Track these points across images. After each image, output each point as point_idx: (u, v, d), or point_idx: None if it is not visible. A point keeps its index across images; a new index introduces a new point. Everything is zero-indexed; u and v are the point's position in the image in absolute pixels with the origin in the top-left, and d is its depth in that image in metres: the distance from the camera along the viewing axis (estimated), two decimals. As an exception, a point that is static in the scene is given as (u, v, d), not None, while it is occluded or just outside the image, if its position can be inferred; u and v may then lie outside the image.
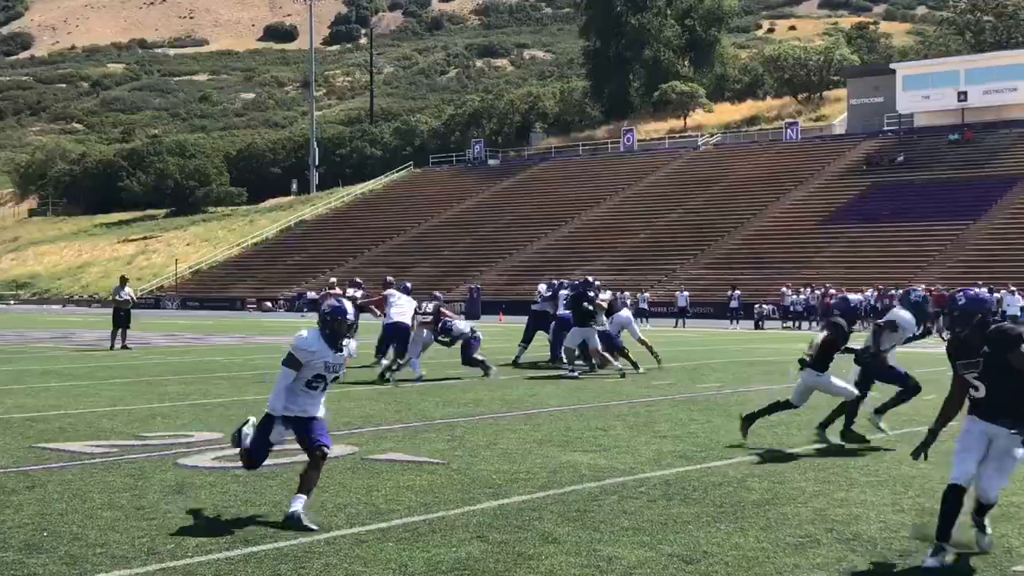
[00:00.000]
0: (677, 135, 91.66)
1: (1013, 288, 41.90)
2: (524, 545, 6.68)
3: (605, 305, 20.63)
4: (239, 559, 6.35)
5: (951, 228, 58.56)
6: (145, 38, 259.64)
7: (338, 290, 24.15)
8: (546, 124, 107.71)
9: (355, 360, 18.94)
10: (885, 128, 78.43)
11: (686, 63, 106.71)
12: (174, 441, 10.93)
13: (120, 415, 13.21)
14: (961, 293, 6.78)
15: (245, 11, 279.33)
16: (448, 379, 18.22)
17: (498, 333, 34.05)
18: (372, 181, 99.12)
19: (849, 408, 11.10)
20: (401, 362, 18.31)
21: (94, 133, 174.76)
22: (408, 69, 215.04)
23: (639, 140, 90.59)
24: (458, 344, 19.15)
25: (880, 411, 11.24)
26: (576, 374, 19.22)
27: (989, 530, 6.78)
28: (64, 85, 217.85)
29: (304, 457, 9.83)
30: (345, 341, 7.65)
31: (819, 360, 11.09)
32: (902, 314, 11.40)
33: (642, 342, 21.70)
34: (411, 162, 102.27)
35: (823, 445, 10.81)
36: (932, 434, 6.82)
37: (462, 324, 19.47)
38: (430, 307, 19.05)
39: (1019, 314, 41.01)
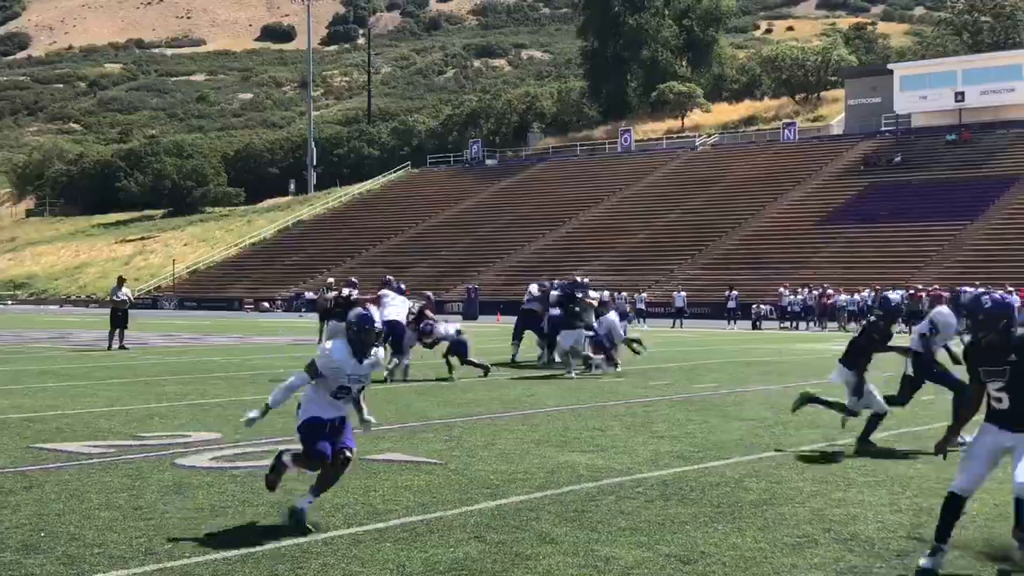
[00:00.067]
0: (675, 135, 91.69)
1: (1011, 288, 41.86)
2: (522, 545, 6.68)
3: (595, 303, 20.68)
4: (236, 559, 6.35)
5: (949, 228, 58.60)
6: (142, 38, 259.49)
7: (335, 290, 24.13)
8: (544, 124, 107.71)
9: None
10: (883, 128, 78.47)
11: (684, 63, 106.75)
12: (172, 441, 10.92)
13: (118, 415, 13.20)
14: (986, 296, 6.53)
15: (242, 11, 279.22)
16: (446, 379, 18.21)
17: (496, 333, 34.05)
18: (370, 181, 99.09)
19: (878, 418, 10.95)
20: (397, 361, 18.35)
21: (91, 133, 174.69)
22: (406, 69, 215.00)
23: (637, 140, 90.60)
24: (443, 346, 19.15)
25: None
26: (573, 375, 19.24)
27: None
28: (61, 85, 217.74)
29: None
30: (372, 350, 7.38)
31: (854, 359, 10.87)
32: (943, 311, 11.27)
33: (626, 342, 21.83)
34: (409, 162, 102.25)
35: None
36: (952, 431, 6.69)
37: (444, 327, 19.42)
38: (415, 307, 19.13)
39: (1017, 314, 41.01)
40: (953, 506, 6.30)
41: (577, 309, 19.77)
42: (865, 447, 10.65)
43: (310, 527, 7.06)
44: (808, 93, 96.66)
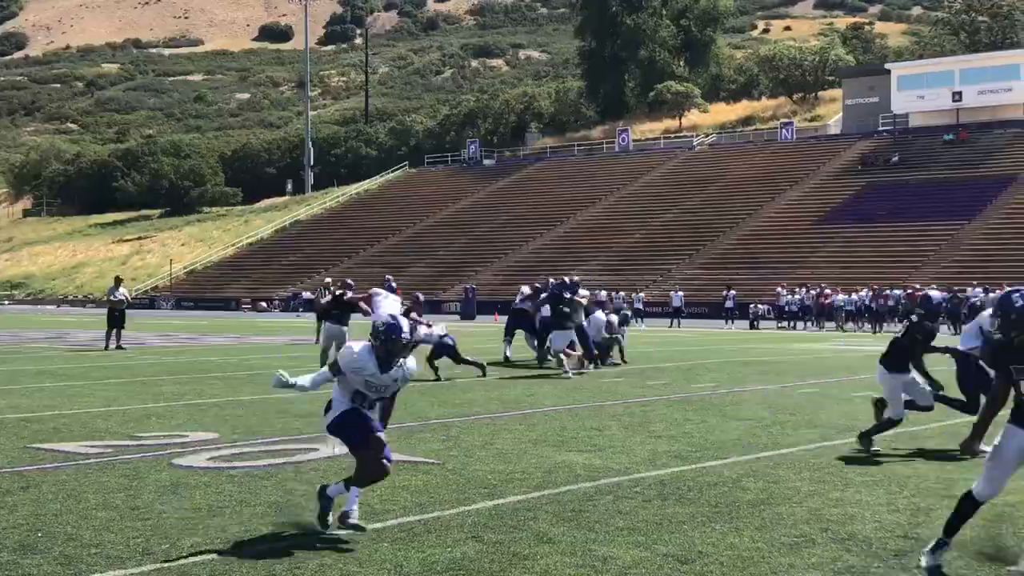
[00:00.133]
0: (672, 135, 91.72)
1: (1008, 288, 41.92)
2: (519, 545, 6.68)
3: (584, 302, 20.74)
4: (234, 559, 6.34)
5: (946, 228, 58.64)
6: (140, 38, 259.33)
7: (332, 290, 24.15)
8: (541, 124, 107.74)
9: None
10: (880, 128, 78.52)
11: (681, 63, 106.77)
12: (169, 441, 10.91)
13: (115, 415, 13.19)
14: (1017, 293, 6.37)
15: (240, 11, 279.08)
16: (445, 379, 18.20)
17: (494, 333, 33.96)
18: (367, 181, 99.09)
19: (889, 424, 10.89)
20: None
21: (89, 133, 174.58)
22: (403, 69, 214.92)
23: (634, 140, 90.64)
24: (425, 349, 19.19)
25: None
26: (571, 375, 19.25)
27: None
28: (59, 85, 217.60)
29: (298, 458, 9.86)
30: (400, 361, 7.03)
31: (896, 359, 10.77)
32: (985, 316, 11.20)
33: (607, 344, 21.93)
34: (406, 162, 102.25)
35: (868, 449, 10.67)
36: (981, 431, 6.58)
37: (427, 329, 19.37)
38: (402, 308, 19.23)
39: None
40: (968, 507, 6.20)
41: (567, 309, 19.82)
42: (865, 444, 10.64)
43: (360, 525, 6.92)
44: (806, 93, 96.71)
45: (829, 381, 18.82)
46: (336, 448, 7.32)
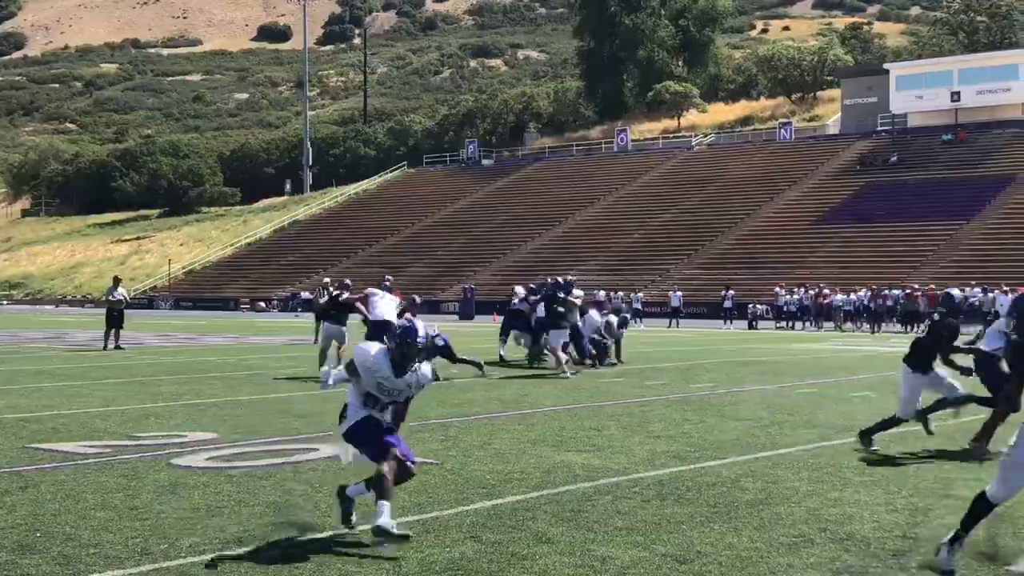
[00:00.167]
0: (671, 135, 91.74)
1: (1007, 288, 41.95)
2: (518, 545, 6.68)
3: (579, 303, 20.77)
4: (232, 559, 6.34)
5: (945, 228, 58.66)
6: (138, 38, 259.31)
7: (330, 290, 24.17)
8: (540, 124, 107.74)
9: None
10: (879, 128, 78.54)
11: (680, 63, 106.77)
12: (167, 441, 10.91)
13: (113, 415, 13.19)
14: None
15: (239, 11, 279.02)
16: (444, 379, 18.20)
17: (492, 333, 33.95)
18: (366, 181, 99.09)
19: (893, 423, 10.89)
20: None
21: (87, 133, 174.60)
22: (402, 69, 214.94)
23: (633, 140, 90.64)
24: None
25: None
26: (569, 374, 19.26)
27: None
28: (57, 85, 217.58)
29: (296, 458, 9.85)
30: (414, 366, 6.97)
31: (919, 359, 10.72)
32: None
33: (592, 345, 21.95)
34: (405, 162, 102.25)
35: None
36: (987, 429, 6.48)
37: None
38: (397, 308, 19.33)
39: (1012, 314, 41.03)
40: (982, 509, 6.11)
41: (561, 309, 19.85)
42: (865, 442, 10.62)
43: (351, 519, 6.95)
44: (804, 93, 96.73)
45: (827, 381, 18.82)
46: (351, 455, 7.14)
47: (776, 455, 10.34)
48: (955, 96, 74.61)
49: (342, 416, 7.14)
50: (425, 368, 7.06)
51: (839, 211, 64.54)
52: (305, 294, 63.35)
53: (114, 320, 27.26)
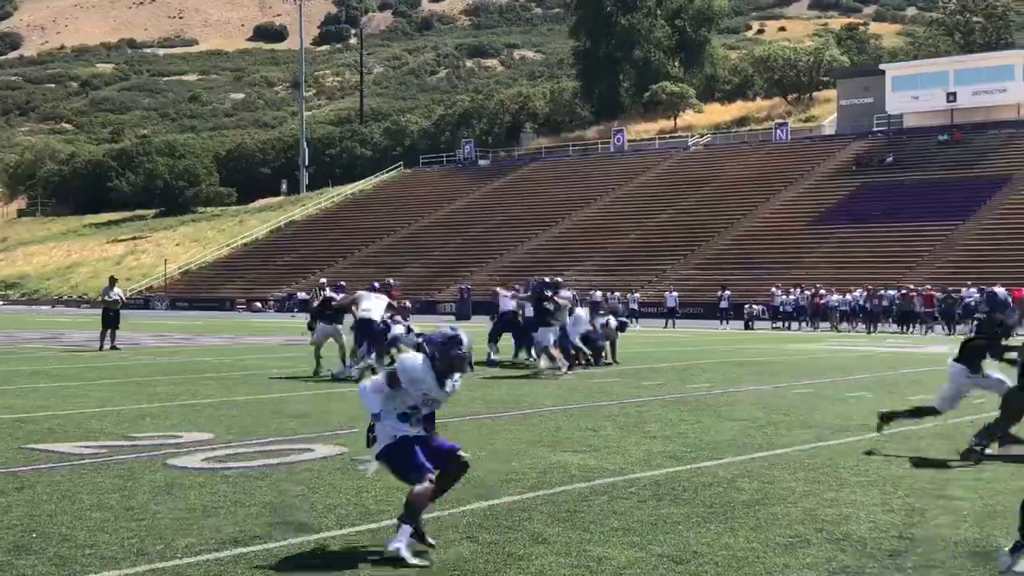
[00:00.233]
0: (667, 135, 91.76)
1: (1003, 288, 41.96)
2: (514, 546, 6.68)
3: (566, 304, 20.81)
4: (228, 560, 6.34)
5: (941, 228, 58.71)
6: (134, 38, 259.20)
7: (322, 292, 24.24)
8: (536, 124, 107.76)
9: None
10: (875, 129, 78.61)
11: (676, 64, 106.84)
12: (163, 442, 10.90)
13: (109, 416, 13.18)
14: None
15: (235, 11, 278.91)
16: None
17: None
18: (362, 181, 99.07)
19: (927, 412, 10.86)
20: (367, 358, 18.68)
21: (83, 133, 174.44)
22: (398, 69, 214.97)
23: (629, 140, 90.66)
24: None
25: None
26: (568, 373, 19.28)
27: None
28: (53, 85, 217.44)
29: (292, 458, 9.85)
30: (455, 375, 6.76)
31: (972, 359, 10.65)
32: None
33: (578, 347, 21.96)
34: (401, 162, 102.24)
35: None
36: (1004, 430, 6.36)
37: (401, 329, 19.53)
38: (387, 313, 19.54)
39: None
40: None
41: (550, 307, 19.92)
42: (885, 422, 10.56)
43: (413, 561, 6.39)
44: (800, 93, 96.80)
45: (824, 381, 18.83)
46: (375, 469, 6.89)
47: (772, 455, 10.34)
48: (951, 97, 74.70)
49: (371, 435, 6.85)
50: (455, 377, 6.81)
51: (835, 211, 64.59)
52: (302, 294, 63.34)
53: (110, 320, 27.25)
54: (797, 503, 8.03)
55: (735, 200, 70.62)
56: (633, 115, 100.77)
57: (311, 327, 20.88)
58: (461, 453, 6.79)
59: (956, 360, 10.82)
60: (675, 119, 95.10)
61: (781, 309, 48.03)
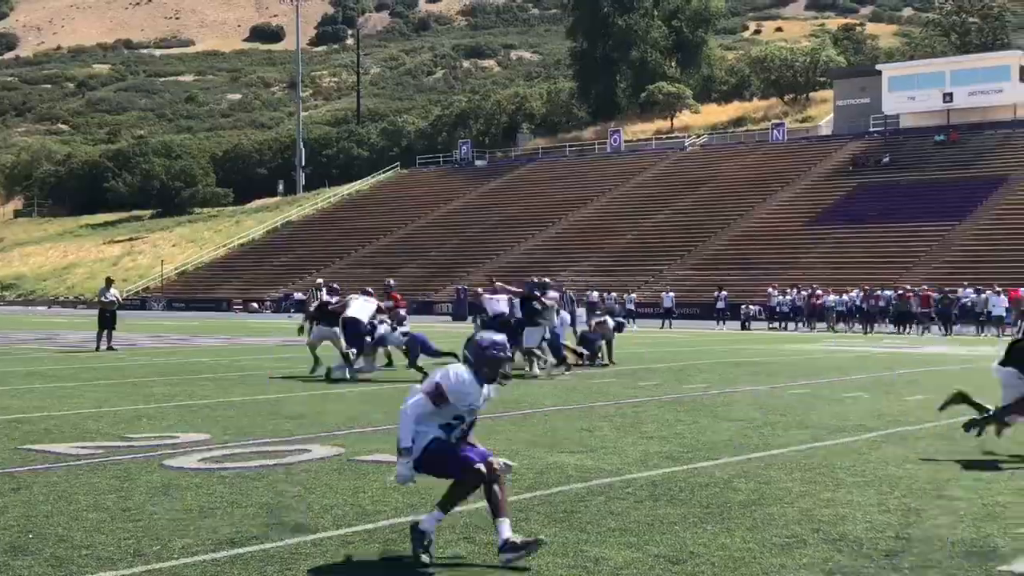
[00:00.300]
0: (664, 136, 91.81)
1: (999, 289, 42.05)
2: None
3: (553, 304, 20.84)
4: (225, 561, 6.33)
5: (937, 229, 58.77)
6: (131, 38, 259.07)
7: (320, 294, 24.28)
8: (533, 125, 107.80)
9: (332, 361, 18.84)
10: (871, 129, 78.69)
11: (673, 64, 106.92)
12: (160, 443, 10.89)
13: (105, 416, 13.17)
14: None
15: (231, 11, 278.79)
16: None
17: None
18: (359, 182, 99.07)
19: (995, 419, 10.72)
20: (354, 358, 18.85)
21: (80, 134, 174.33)
22: (395, 70, 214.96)
23: (626, 141, 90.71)
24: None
25: None
26: (565, 373, 19.30)
27: None
28: (49, 86, 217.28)
29: (289, 459, 9.84)
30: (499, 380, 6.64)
31: (1018, 361, 10.35)
32: None
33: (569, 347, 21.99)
34: (398, 163, 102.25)
35: None
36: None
37: (385, 327, 19.66)
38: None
39: (1004, 315, 41.19)
40: None
41: (539, 307, 19.95)
42: (972, 430, 10.43)
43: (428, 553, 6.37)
44: (797, 94, 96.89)
45: (820, 382, 18.84)
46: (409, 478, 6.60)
47: (769, 456, 10.34)
48: (947, 97, 74.79)
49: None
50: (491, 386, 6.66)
51: (831, 212, 64.64)
52: (298, 295, 63.33)
53: (106, 321, 27.24)
54: (793, 503, 8.03)
55: (732, 200, 70.66)
56: (630, 115, 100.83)
57: (302, 330, 21.08)
58: (496, 460, 6.54)
59: (1003, 364, 10.49)
60: (672, 119, 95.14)
61: (778, 309, 48.05)
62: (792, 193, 70.34)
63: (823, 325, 45.98)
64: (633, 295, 53.16)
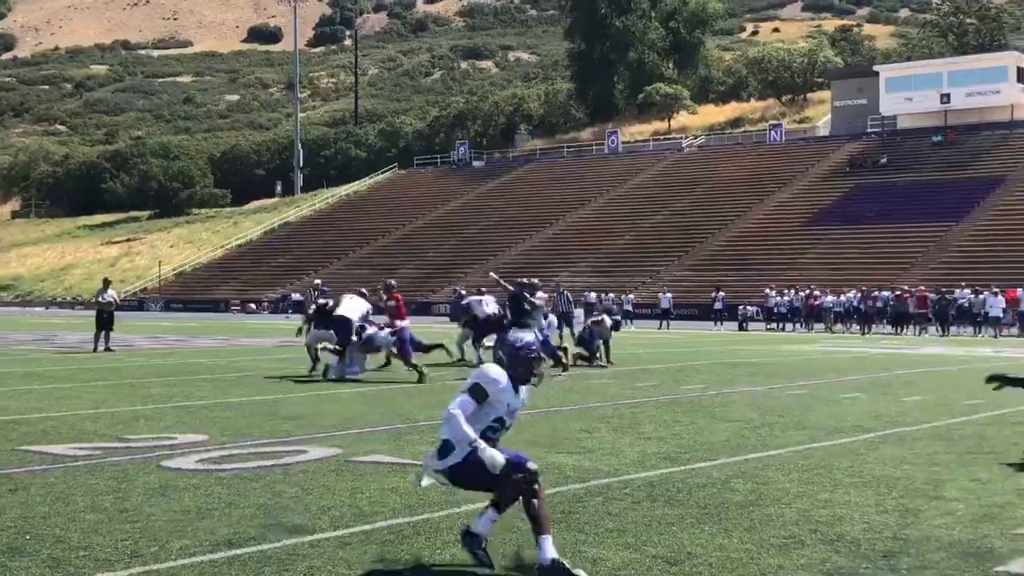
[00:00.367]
0: (661, 137, 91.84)
1: (996, 289, 42.06)
2: (509, 547, 6.67)
3: (541, 305, 20.87)
4: (223, 562, 6.33)
5: (934, 229, 58.80)
6: (128, 39, 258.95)
7: (316, 296, 24.33)
8: (531, 126, 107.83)
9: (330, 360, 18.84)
10: (868, 130, 78.73)
11: (670, 65, 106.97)
12: (157, 443, 10.88)
13: (103, 417, 13.16)
14: None
15: (229, 12, 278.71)
16: (422, 382, 18.20)
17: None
18: (357, 183, 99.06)
19: None
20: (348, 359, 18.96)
21: (77, 135, 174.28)
22: (393, 71, 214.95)
23: (623, 142, 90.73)
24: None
25: None
26: (562, 374, 19.31)
27: None
28: (47, 86, 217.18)
29: (287, 460, 9.84)
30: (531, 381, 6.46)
31: None
32: None
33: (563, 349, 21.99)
34: (396, 164, 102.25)
35: None
36: None
37: (373, 329, 19.74)
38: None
39: (1001, 316, 41.21)
40: None
41: (527, 307, 19.99)
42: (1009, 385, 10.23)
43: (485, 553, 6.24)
44: (794, 95, 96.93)
45: (818, 383, 18.84)
46: (429, 483, 6.45)
47: (766, 456, 10.35)
48: (944, 98, 74.84)
49: (440, 450, 6.38)
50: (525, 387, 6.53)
51: (829, 213, 64.67)
52: (296, 296, 63.30)
53: (104, 322, 27.23)
54: (791, 504, 8.03)
55: (729, 201, 70.69)
56: (627, 117, 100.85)
57: (300, 331, 21.17)
58: (529, 465, 6.24)
59: None
60: (669, 120, 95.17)
61: (775, 310, 48.07)
62: (790, 194, 70.37)
63: (821, 326, 46.00)
64: (631, 296, 53.15)
